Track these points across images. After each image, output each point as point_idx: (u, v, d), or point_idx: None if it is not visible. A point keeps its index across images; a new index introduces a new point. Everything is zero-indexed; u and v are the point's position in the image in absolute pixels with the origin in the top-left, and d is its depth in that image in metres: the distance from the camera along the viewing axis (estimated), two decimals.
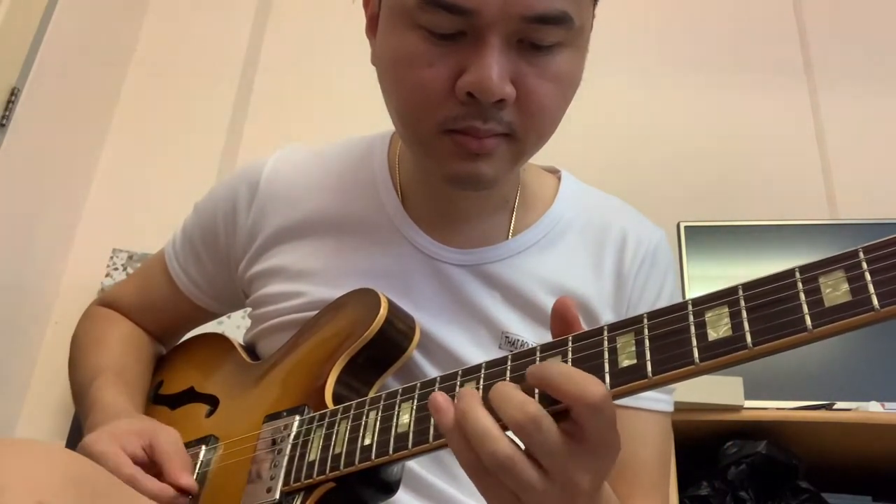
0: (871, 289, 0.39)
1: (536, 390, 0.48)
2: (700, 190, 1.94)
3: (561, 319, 0.52)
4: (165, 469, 0.64)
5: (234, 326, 1.64)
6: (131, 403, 0.76)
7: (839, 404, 1.43)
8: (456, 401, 0.49)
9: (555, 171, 0.84)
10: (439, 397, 0.49)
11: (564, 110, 0.66)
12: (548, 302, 0.72)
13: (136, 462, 0.64)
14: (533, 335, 0.71)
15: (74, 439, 1.67)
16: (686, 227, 1.71)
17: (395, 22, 0.63)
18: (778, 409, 1.40)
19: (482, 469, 0.47)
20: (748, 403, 1.33)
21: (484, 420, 0.47)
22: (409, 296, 0.71)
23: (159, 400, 0.82)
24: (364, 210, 0.77)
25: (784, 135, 2.02)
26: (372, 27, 0.70)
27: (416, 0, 0.60)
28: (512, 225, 0.76)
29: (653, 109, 2.05)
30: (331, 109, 2.03)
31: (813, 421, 1.35)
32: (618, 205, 0.83)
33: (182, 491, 0.63)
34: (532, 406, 0.45)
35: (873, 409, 1.38)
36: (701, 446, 1.30)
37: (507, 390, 0.47)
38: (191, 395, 0.80)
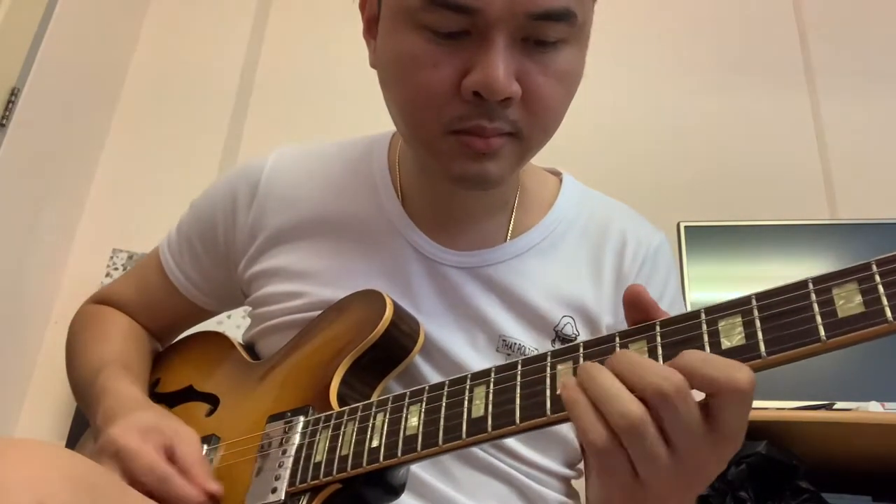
0: (885, 301, 0.40)
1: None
2: (700, 190, 1.94)
3: (635, 307, 0.50)
4: (190, 473, 0.63)
5: (234, 326, 1.65)
6: (142, 394, 0.75)
7: (839, 404, 1.43)
8: (578, 372, 0.46)
9: (556, 173, 0.83)
10: (568, 378, 0.47)
11: (567, 107, 0.66)
12: (545, 306, 0.72)
13: None
14: (530, 339, 0.71)
15: (74, 439, 1.67)
16: (686, 227, 1.71)
17: (397, 23, 0.62)
18: (778, 409, 1.40)
19: (604, 440, 0.44)
20: None
21: (613, 381, 0.44)
22: (408, 297, 0.71)
23: (157, 398, 0.81)
24: (364, 211, 0.77)
25: (784, 135, 2.02)
26: (370, 29, 0.70)
27: (420, 0, 0.59)
28: (511, 227, 0.76)
29: (653, 110, 2.06)
30: (330, 109, 2.03)
31: (813, 421, 1.34)
32: (619, 207, 0.82)
33: (211, 496, 0.63)
34: (678, 376, 0.42)
35: (873, 409, 1.38)
36: None
37: (643, 359, 0.44)
38: (189, 394, 0.79)
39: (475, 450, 0.69)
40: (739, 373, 0.42)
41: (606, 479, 0.46)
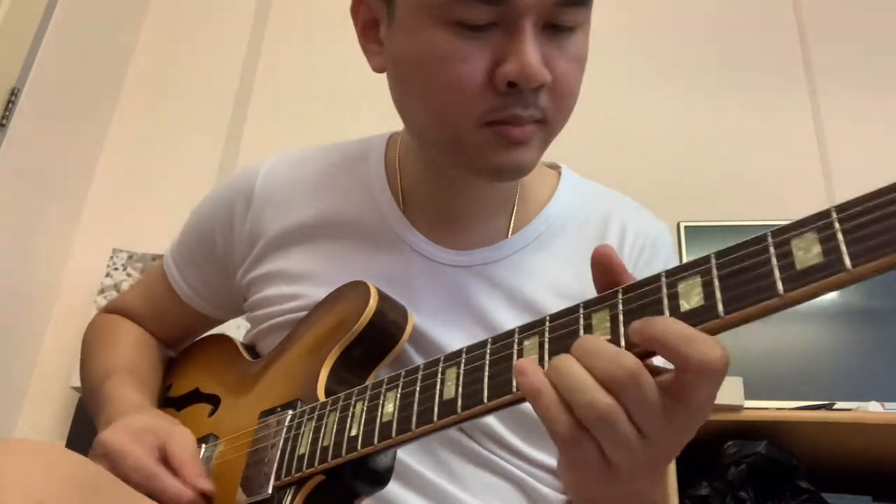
0: (843, 248, 0.38)
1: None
2: (700, 190, 1.94)
3: (602, 269, 0.49)
4: (182, 472, 0.63)
5: (235, 327, 1.64)
6: (146, 400, 0.76)
7: (839, 404, 1.43)
8: (549, 367, 0.45)
9: (555, 167, 0.83)
10: (525, 361, 0.46)
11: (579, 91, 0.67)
12: (548, 300, 0.72)
13: None
14: None
15: (74, 439, 1.67)
16: (686, 227, 1.71)
17: (419, 20, 0.62)
18: (778, 409, 1.40)
19: (570, 429, 0.43)
20: (748, 403, 1.33)
21: (580, 371, 0.43)
22: (409, 298, 0.71)
23: (168, 402, 0.83)
24: (361, 213, 0.77)
25: (784, 135, 2.02)
26: (367, 34, 0.69)
27: None
28: (512, 223, 0.76)
29: (653, 110, 2.05)
30: (330, 110, 2.03)
31: (813, 421, 1.35)
32: (619, 198, 0.82)
33: (202, 494, 0.63)
34: (629, 359, 0.42)
35: (873, 409, 1.38)
36: (701, 446, 1.29)
37: (597, 343, 0.43)
38: (195, 396, 0.80)
39: (476, 447, 0.69)
40: (712, 352, 0.40)
41: (576, 469, 0.46)
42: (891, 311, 1.57)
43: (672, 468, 1.25)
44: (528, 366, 0.45)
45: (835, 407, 1.42)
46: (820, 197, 1.94)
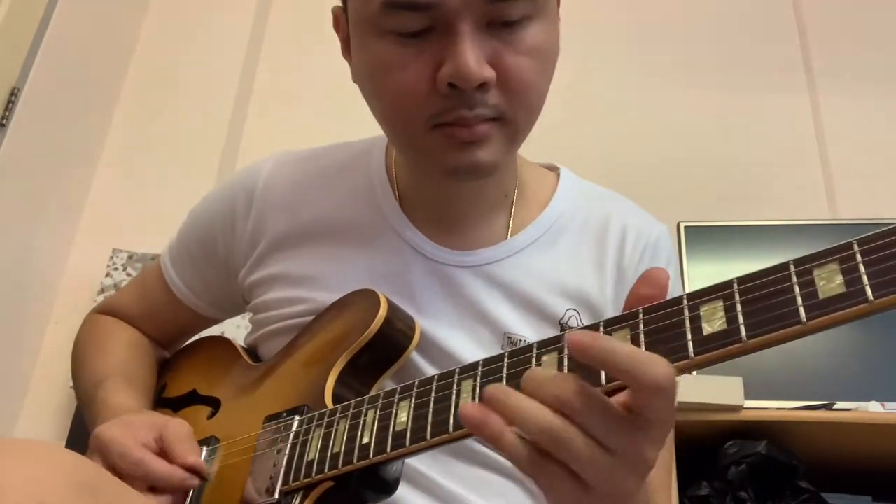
0: (865, 280, 0.39)
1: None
2: (700, 190, 1.94)
3: (648, 284, 0.48)
4: (172, 453, 0.64)
5: (234, 326, 1.64)
6: (141, 404, 0.76)
7: (839, 404, 1.43)
8: (484, 400, 0.45)
9: (554, 168, 0.84)
10: (466, 406, 0.46)
11: (548, 82, 0.66)
12: (549, 300, 0.72)
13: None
14: (535, 334, 0.71)
15: (74, 439, 1.67)
16: (686, 227, 1.71)
17: (363, 34, 0.64)
18: (778, 409, 1.40)
19: (532, 458, 0.43)
20: (748, 403, 1.33)
21: (520, 399, 0.43)
22: (411, 299, 0.71)
23: (163, 403, 0.82)
24: (363, 215, 0.77)
25: (784, 135, 2.02)
26: (347, 49, 0.71)
27: (378, 6, 0.60)
28: (511, 223, 0.76)
29: (653, 109, 2.05)
30: (331, 110, 2.03)
31: (813, 421, 1.35)
32: (618, 199, 0.82)
33: (191, 471, 0.64)
34: (571, 379, 0.42)
35: (873, 409, 1.38)
36: (701, 446, 1.30)
37: (538, 372, 0.44)
38: (193, 398, 0.80)
39: (479, 446, 0.69)
40: (653, 369, 0.41)
41: (550, 493, 0.45)
42: (891, 312, 1.57)
43: (672, 468, 1.25)
44: (476, 413, 0.45)
45: (835, 407, 1.42)
46: (820, 197, 1.94)
